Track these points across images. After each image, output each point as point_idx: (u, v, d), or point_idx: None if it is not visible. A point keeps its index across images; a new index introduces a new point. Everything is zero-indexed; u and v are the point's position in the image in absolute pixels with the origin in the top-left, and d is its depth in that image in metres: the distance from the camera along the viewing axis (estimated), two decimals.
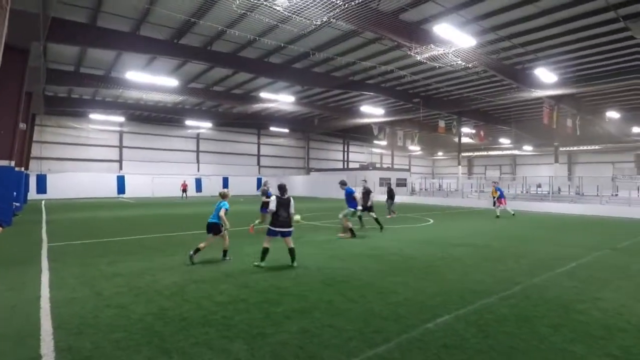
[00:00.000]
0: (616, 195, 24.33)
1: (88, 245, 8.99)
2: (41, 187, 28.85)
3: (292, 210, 6.80)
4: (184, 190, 32.61)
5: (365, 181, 14.26)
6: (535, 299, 5.01)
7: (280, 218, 6.70)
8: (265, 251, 6.72)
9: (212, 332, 3.81)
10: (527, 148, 42.81)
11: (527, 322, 4.20)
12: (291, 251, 6.80)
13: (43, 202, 25.01)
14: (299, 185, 39.48)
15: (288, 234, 6.77)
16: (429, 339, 3.71)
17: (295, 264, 6.78)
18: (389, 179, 36.46)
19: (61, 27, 13.76)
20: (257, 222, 11.21)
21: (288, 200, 6.77)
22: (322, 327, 3.95)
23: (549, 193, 25.78)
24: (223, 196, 7.54)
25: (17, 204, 16.08)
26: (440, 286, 5.58)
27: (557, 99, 23.81)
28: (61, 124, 31.22)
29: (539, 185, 31.02)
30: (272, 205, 6.67)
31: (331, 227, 12.90)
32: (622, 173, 38.21)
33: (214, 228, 7.19)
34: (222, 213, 7.14)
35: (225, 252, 7.40)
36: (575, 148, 41.38)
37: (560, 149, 41.21)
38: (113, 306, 4.56)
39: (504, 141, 41.11)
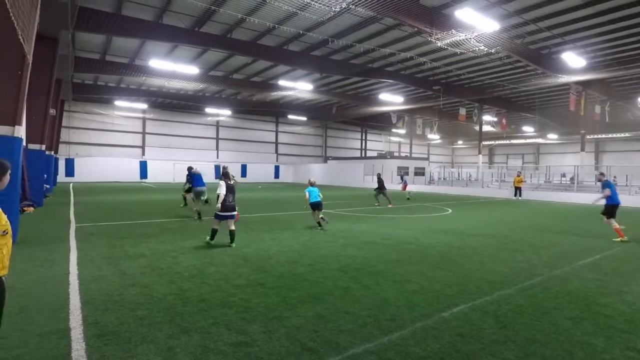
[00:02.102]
0: None
1: (113, 226, 9.36)
2: (69, 171, 30.07)
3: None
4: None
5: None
6: (555, 291, 4.93)
7: (227, 203, 7.19)
8: (214, 231, 7.38)
9: (231, 314, 3.94)
10: (552, 136, 41.37)
11: (546, 314, 4.14)
12: (232, 233, 7.30)
13: (71, 184, 26.04)
14: (316, 173, 39.53)
15: (232, 217, 7.33)
16: (444, 327, 3.72)
17: (234, 244, 7.27)
18: (407, 168, 36.24)
19: (88, 16, 14.09)
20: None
21: (233, 185, 7.38)
22: (336, 313, 4.03)
23: (573, 182, 24.94)
24: (312, 184, 9.95)
25: (47, 186, 16.83)
26: (457, 276, 5.55)
27: (585, 84, 22.80)
28: (88, 110, 32.18)
29: (564, 175, 30.04)
30: (222, 190, 7.12)
31: (348, 215, 12.94)
32: None
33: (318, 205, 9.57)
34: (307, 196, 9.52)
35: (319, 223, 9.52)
36: (603, 136, 39.65)
37: (587, 137, 39.62)
38: (137, 285, 4.78)
39: (527, 129, 39.84)
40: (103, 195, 19.11)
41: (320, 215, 9.60)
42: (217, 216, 7.23)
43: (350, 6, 11.38)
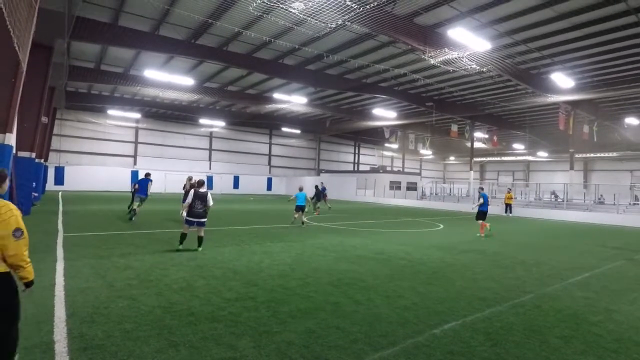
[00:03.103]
0: (634, 204, 23.76)
1: (102, 237, 9.20)
2: (59, 179, 29.68)
3: (210, 203, 7.77)
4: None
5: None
6: (546, 309, 4.95)
7: (195, 210, 7.59)
8: (182, 235, 7.77)
9: (220, 328, 3.88)
10: (542, 154, 42.10)
11: (537, 332, 4.15)
12: (200, 239, 7.80)
13: (60, 193, 25.63)
14: (309, 186, 39.53)
15: (202, 224, 7.75)
16: (436, 344, 3.71)
17: (200, 249, 7.75)
18: (399, 183, 36.45)
19: (84, 26, 14.15)
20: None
21: (205, 193, 7.68)
22: (327, 328, 3.99)
23: (563, 200, 25.31)
24: (300, 189, 12.86)
25: (36, 194, 16.53)
26: (448, 292, 5.55)
27: (574, 104, 23.38)
28: (80, 119, 31.96)
29: (553, 193, 30.46)
30: (190, 198, 7.56)
31: (340, 228, 12.91)
32: None
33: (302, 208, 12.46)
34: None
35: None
36: (592, 155, 40.49)
37: (576, 155, 40.34)
38: (124, 297, 4.68)
39: (518, 147, 40.52)
40: (93, 204, 18.83)
41: (303, 217, 12.68)
42: (185, 221, 7.72)
43: (346, 23, 11.61)
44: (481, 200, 12.10)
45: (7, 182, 2.73)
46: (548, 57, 17.18)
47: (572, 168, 31.03)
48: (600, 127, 27.22)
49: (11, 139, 7.02)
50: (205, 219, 7.79)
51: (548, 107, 25.84)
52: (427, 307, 4.83)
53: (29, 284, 2.71)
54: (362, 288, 5.57)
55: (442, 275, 6.57)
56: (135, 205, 12.82)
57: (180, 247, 7.73)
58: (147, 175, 13.38)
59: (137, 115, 33.08)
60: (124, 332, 3.66)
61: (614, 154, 38.85)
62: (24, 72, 7.12)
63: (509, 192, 23.25)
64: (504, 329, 4.17)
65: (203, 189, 7.77)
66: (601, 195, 24.93)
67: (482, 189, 13.30)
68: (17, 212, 2.58)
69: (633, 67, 18.07)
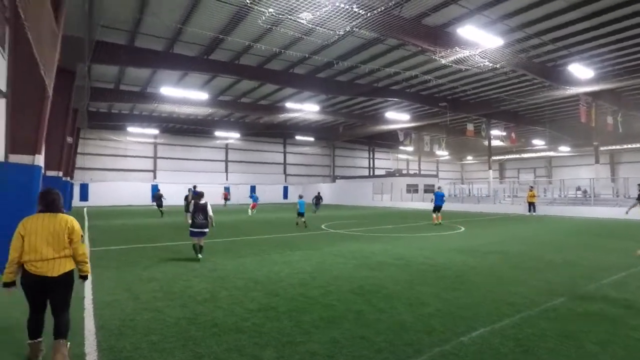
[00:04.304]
0: None
1: (126, 250, 9.43)
2: (84, 195, 30.80)
3: (210, 213, 8.02)
4: (226, 199, 33.27)
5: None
6: (579, 313, 4.73)
7: (197, 221, 7.94)
8: (194, 247, 8.09)
9: (244, 339, 3.89)
10: (564, 149, 40.80)
11: (572, 337, 3.96)
12: (200, 247, 8.10)
13: (85, 209, 26.43)
14: (324, 193, 39.55)
15: (204, 234, 8.06)
16: (464, 352, 3.59)
17: (201, 255, 8.04)
18: (416, 185, 36.01)
19: (104, 49, 14.68)
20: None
21: (204, 205, 7.98)
22: (351, 338, 3.94)
23: (589, 196, 24.43)
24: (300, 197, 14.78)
25: (64, 211, 17.06)
26: (474, 297, 5.41)
27: (595, 95, 22.62)
28: (102, 137, 33.05)
29: (579, 188, 29.44)
30: (191, 209, 8.01)
31: (358, 235, 12.82)
32: None
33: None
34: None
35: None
36: (617, 147, 38.96)
37: (601, 148, 38.95)
38: (150, 309, 4.76)
39: (538, 142, 39.38)
40: (116, 219, 19.33)
41: (303, 220, 14.51)
42: (190, 233, 8.10)
43: (354, 29, 11.65)
44: (433, 197, 16.62)
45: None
46: (563, 49, 16.75)
47: (597, 162, 29.95)
48: (624, 117, 26.24)
49: (40, 159, 7.32)
50: (207, 229, 8.13)
51: (567, 99, 25.13)
52: (452, 313, 4.71)
53: (85, 277, 3.64)
54: (384, 295, 5.49)
55: (466, 280, 6.42)
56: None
57: (199, 256, 8.02)
58: (195, 187, 14.47)
59: (155, 131, 33.97)
60: (150, 344, 3.72)
61: None
62: (50, 97, 7.44)
63: (531, 190, 22.62)
64: (536, 335, 4.00)
65: (203, 201, 8.07)
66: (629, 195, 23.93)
67: (440, 188, 18.10)
68: (77, 223, 3.56)
69: None
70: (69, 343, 3.43)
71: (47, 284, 3.28)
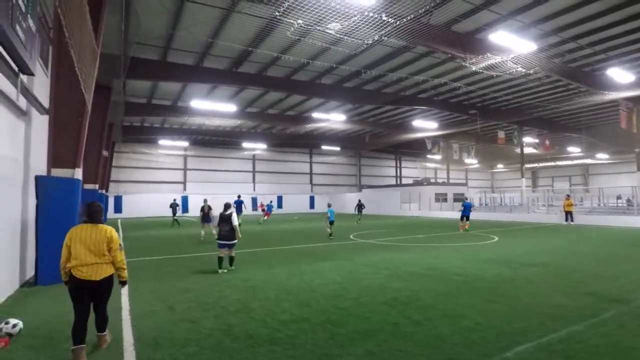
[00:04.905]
0: None
1: (160, 260, 9.67)
2: (118, 207, 31.96)
3: (235, 223, 7.89)
4: (263, 210, 31.60)
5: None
6: (632, 328, 4.42)
7: (221, 232, 7.91)
8: (219, 259, 7.95)
9: (279, 351, 3.85)
10: (602, 156, 38.78)
11: (626, 355, 3.70)
12: (231, 259, 8.12)
13: (119, 220, 27.48)
14: (351, 202, 39.29)
15: (229, 246, 7.94)
16: None
17: (232, 267, 8.09)
18: (445, 194, 35.17)
19: (138, 65, 15.35)
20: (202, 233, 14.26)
21: (229, 215, 7.88)
22: (389, 351, 3.83)
23: (632, 205, 22.99)
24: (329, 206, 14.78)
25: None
26: (515, 310, 5.15)
27: (636, 100, 21.44)
28: (135, 150, 34.41)
29: (619, 197, 27.80)
30: (215, 222, 8.05)
31: (388, 244, 12.60)
32: None
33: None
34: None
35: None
36: None
37: None
38: (185, 320, 4.82)
39: (573, 150, 37.63)
40: (149, 230, 19.96)
41: (330, 231, 14.28)
42: (217, 245, 8.10)
43: (383, 38, 11.64)
44: (462, 207, 18.12)
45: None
46: (601, 53, 16.03)
47: (639, 169, 28.23)
48: None
49: (79, 173, 7.66)
50: (233, 241, 7.95)
51: (606, 105, 23.93)
52: (493, 327, 4.50)
53: (125, 282, 4.05)
54: (419, 307, 5.33)
55: (503, 292, 6.14)
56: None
57: (220, 270, 7.84)
58: (205, 201, 14.99)
59: (185, 144, 35.05)
60: (187, 356, 3.74)
61: None
62: (89, 112, 7.82)
63: (568, 199, 21.57)
64: (587, 352, 3.76)
65: (228, 211, 7.97)
66: None
67: (467, 198, 19.87)
68: (116, 232, 3.96)
69: None
70: (107, 332, 3.99)
71: (91, 286, 3.71)
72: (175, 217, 22.35)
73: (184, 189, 36.79)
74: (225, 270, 7.90)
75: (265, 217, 25.73)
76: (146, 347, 3.97)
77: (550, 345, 3.95)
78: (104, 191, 21.91)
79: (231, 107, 21.23)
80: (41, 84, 7.87)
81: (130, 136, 30.62)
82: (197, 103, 20.14)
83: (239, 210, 20.33)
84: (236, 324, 4.66)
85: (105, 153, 18.14)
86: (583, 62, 17.12)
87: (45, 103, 7.73)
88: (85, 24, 6.07)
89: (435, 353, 3.77)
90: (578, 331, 4.34)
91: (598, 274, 7.47)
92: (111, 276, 3.87)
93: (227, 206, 8.12)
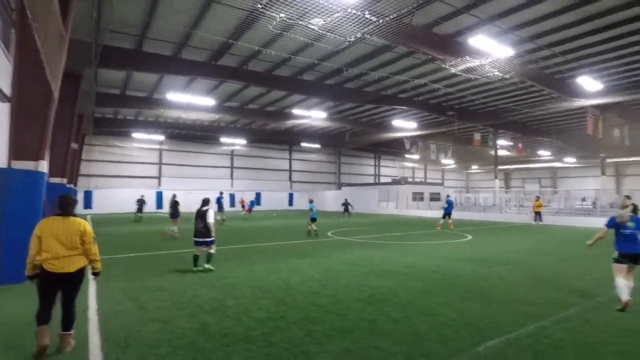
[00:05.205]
0: None
1: (131, 258, 9.34)
2: (87, 203, 30.69)
3: (209, 220, 7.48)
4: (243, 207, 30.79)
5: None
6: (596, 324, 4.61)
7: (196, 229, 7.58)
8: (194, 257, 7.64)
9: (254, 349, 3.77)
10: (570, 160, 40.54)
11: (590, 349, 3.85)
12: (209, 255, 7.63)
13: (89, 216, 26.47)
14: (330, 200, 39.41)
15: (205, 243, 7.54)
16: None
17: (208, 265, 7.60)
18: (422, 193, 35.80)
19: (111, 54, 14.71)
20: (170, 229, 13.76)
21: (204, 212, 7.51)
22: (366, 348, 3.82)
23: (595, 207, 24.16)
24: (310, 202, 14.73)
25: None
26: (487, 307, 5.27)
27: (603, 107, 22.46)
28: (107, 143, 33.15)
29: (584, 199, 29.18)
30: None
31: (365, 242, 12.67)
32: None
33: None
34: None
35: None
36: (624, 159, 38.64)
37: (607, 160, 38.76)
38: (157, 320, 4.65)
39: (544, 153, 39.17)
40: (121, 226, 19.29)
41: (315, 229, 14.19)
42: (193, 242, 7.77)
43: (365, 36, 11.64)
44: (445, 204, 18.51)
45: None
46: (573, 61, 16.66)
47: (603, 173, 29.72)
48: (631, 130, 26.02)
49: (44, 166, 7.23)
50: (209, 239, 7.55)
51: (575, 111, 24.95)
52: (467, 323, 4.58)
53: (98, 274, 3.99)
54: (396, 304, 5.36)
55: (478, 289, 6.28)
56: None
57: (195, 269, 7.53)
58: (174, 196, 14.64)
59: (161, 137, 34.03)
60: (159, 357, 3.61)
61: None
62: (55, 102, 7.40)
63: (537, 200, 22.40)
64: (553, 346, 3.90)
65: (205, 207, 7.62)
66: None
67: (448, 195, 20.55)
68: (89, 225, 3.91)
69: None
70: (73, 332, 3.83)
71: (63, 279, 3.66)
72: (139, 213, 22.35)
73: (159, 184, 35.80)
74: (201, 269, 7.60)
75: (246, 212, 26.13)
76: (115, 348, 3.80)
77: (518, 340, 4.06)
78: (72, 185, 20.97)
79: (209, 101, 20.76)
80: (1, 69, 7.37)
81: (102, 128, 29.47)
82: (174, 95, 19.54)
83: (220, 207, 20.00)
84: (211, 323, 4.54)
85: (74, 145, 17.32)
86: (556, 70, 17.75)
87: (7, 90, 7.24)
88: (52, 7, 5.72)
89: (412, 349, 3.79)
90: (545, 326, 4.49)
91: (565, 272, 7.77)
92: (84, 269, 3.80)
93: (204, 202, 7.83)
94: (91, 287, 6.19)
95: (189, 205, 32.83)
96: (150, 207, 32.93)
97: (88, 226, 3.88)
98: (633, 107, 24.86)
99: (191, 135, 35.69)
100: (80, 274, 3.77)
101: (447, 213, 17.98)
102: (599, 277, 7.29)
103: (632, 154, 35.35)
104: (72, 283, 3.74)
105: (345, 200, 26.17)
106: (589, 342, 4.04)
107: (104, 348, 3.81)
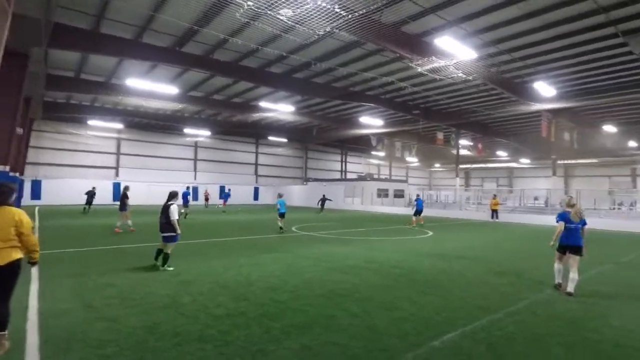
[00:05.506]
0: (614, 208, 24.35)
1: (81, 253, 8.76)
2: (35, 193, 28.58)
3: (173, 216, 6.96)
4: (207, 199, 31.54)
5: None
6: (543, 316, 4.86)
7: (159, 223, 7.13)
8: (157, 251, 7.22)
9: (209, 349, 3.62)
10: (525, 161, 42.96)
11: (538, 340, 4.04)
12: (164, 255, 7.05)
13: (37, 208, 24.66)
14: (296, 195, 39.29)
15: (165, 239, 7.03)
16: (436, 357, 3.56)
17: (158, 264, 7.07)
18: (387, 190, 36.53)
19: (64, 33, 13.68)
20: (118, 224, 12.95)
21: (168, 206, 7.05)
22: (324, 344, 3.77)
23: (546, 206, 25.76)
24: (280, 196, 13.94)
25: None
26: (445, 301, 5.41)
27: (556, 112, 23.91)
28: (59, 130, 31.02)
29: (536, 198, 31.05)
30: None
31: (330, 237, 12.70)
32: (618, 187, 38.39)
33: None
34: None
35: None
36: (572, 161, 41.52)
37: (558, 162, 41.49)
38: (104, 319, 4.36)
39: (502, 154, 41.22)
40: (72, 219, 18.13)
41: (281, 224, 13.65)
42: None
43: (334, 30, 11.57)
44: (415, 204, 18.69)
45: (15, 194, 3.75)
46: (531, 67, 17.52)
47: (554, 174, 31.72)
48: (580, 134, 27.91)
49: None
50: (168, 234, 6.99)
51: (531, 115, 26.37)
52: (425, 317, 4.67)
53: (35, 263, 3.85)
54: (357, 299, 5.37)
55: (437, 284, 6.44)
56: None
57: (157, 263, 7.16)
58: (127, 188, 13.39)
59: (119, 126, 32.30)
60: (103, 358, 3.37)
61: (594, 160, 39.94)
62: None
63: (494, 198, 23.48)
64: (504, 339, 4.05)
65: (169, 202, 7.11)
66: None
67: (418, 195, 21.68)
68: (26, 215, 3.69)
69: (611, 77, 18.57)
70: (6, 332, 3.51)
71: None
72: (87, 205, 21.59)
73: (117, 174, 34.04)
74: (158, 264, 7.16)
75: (222, 206, 27.18)
76: (55, 350, 3.51)
77: (473, 333, 4.19)
78: (17, 174, 19.40)
79: (172, 89, 19.90)
80: None
81: (53, 113, 27.53)
82: (134, 82, 18.51)
83: (185, 201, 19.26)
84: (163, 321, 4.31)
85: (19, 130, 16.00)
86: (515, 74, 18.59)
87: None
88: None
89: (369, 344, 3.79)
90: (498, 319, 4.67)
91: (517, 267, 8.16)
92: (18, 261, 3.53)
93: (170, 195, 7.24)
94: (33, 285, 5.73)
95: (153, 198, 31.62)
96: (106, 198, 31.34)
97: (25, 216, 3.64)
98: (582, 113, 26.67)
99: (153, 124, 34.19)
100: (12, 267, 3.47)
101: (418, 211, 18.27)
102: (546, 272, 7.70)
103: (580, 156, 38.08)
104: (2, 277, 3.45)
105: (323, 195, 27.67)
106: (537, 333, 4.24)
107: (42, 350, 3.51)
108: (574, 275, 5.94)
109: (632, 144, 32.26)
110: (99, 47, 15.11)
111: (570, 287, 5.89)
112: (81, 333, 3.93)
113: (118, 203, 13.42)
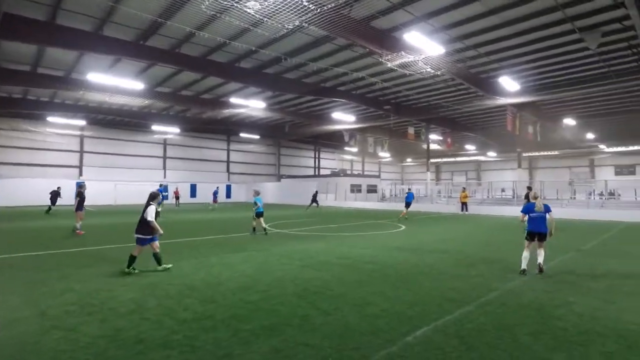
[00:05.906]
0: (574, 198, 25.67)
1: (38, 257, 8.22)
2: None
3: (148, 217, 6.58)
4: (177, 198, 30.84)
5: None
6: (512, 306, 4.97)
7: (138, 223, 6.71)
8: (130, 258, 6.65)
9: (174, 356, 3.44)
10: (491, 154, 44.52)
11: (507, 330, 4.11)
12: (131, 258, 6.60)
13: None
14: (269, 192, 38.91)
15: (136, 240, 6.67)
16: (409, 353, 3.54)
17: (126, 268, 6.57)
18: (360, 186, 36.85)
19: (16, 24, 12.80)
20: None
21: (144, 208, 6.68)
22: (295, 346, 3.67)
23: (513, 197, 26.80)
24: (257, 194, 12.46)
25: None
26: (417, 295, 5.45)
27: (520, 106, 24.82)
28: (15, 127, 29.16)
29: (503, 190, 32.26)
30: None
31: (303, 234, 12.61)
32: (577, 177, 40.54)
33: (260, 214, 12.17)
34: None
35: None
36: (536, 154, 43.42)
37: (523, 154, 43.31)
38: (60, 328, 4.07)
39: (470, 147, 42.52)
40: (29, 220, 17.09)
41: (254, 224, 12.40)
42: None
43: (303, 24, 11.41)
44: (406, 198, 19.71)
45: None
46: (495, 62, 18.07)
47: (519, 166, 33.03)
48: (542, 128, 29.17)
49: None
50: (138, 235, 6.63)
51: (496, 109, 27.29)
52: (397, 312, 4.66)
53: None
54: (329, 297, 5.31)
55: (409, 278, 6.48)
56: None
57: (127, 269, 6.66)
58: (81, 187, 12.98)
59: (82, 122, 30.75)
60: None
61: (555, 152, 41.95)
62: None
63: (463, 191, 24.17)
64: (476, 330, 4.10)
65: (149, 202, 6.73)
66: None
67: (409, 189, 21.80)
68: None
69: (568, 72, 19.47)
70: None
71: None
72: (52, 206, 21.10)
73: (80, 174, 32.45)
74: (127, 270, 6.64)
75: (213, 204, 27.42)
76: None
77: (445, 326, 4.22)
78: None
79: (138, 85, 19.10)
80: None
81: (8, 109, 25.86)
82: (96, 76, 17.60)
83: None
84: (125, 328, 4.08)
85: None
86: (481, 69, 19.12)
87: None
88: None
89: (342, 343, 3.73)
90: (469, 311, 4.73)
91: (486, 258, 8.38)
92: None
93: (150, 197, 6.82)
94: None
95: (122, 198, 30.32)
96: (70, 199, 29.75)
97: None
98: (544, 107, 27.87)
99: (118, 121, 32.78)
100: None
101: (408, 202, 19.34)
102: (514, 261, 7.96)
103: (543, 149, 39.87)
104: None
105: (316, 191, 28.87)
106: (507, 323, 4.32)
107: None
108: (541, 256, 6.83)
109: (589, 136, 34.11)
110: (56, 39, 14.21)
111: (540, 261, 6.79)
112: (34, 344, 3.64)
113: (94, 204, 12.70)
